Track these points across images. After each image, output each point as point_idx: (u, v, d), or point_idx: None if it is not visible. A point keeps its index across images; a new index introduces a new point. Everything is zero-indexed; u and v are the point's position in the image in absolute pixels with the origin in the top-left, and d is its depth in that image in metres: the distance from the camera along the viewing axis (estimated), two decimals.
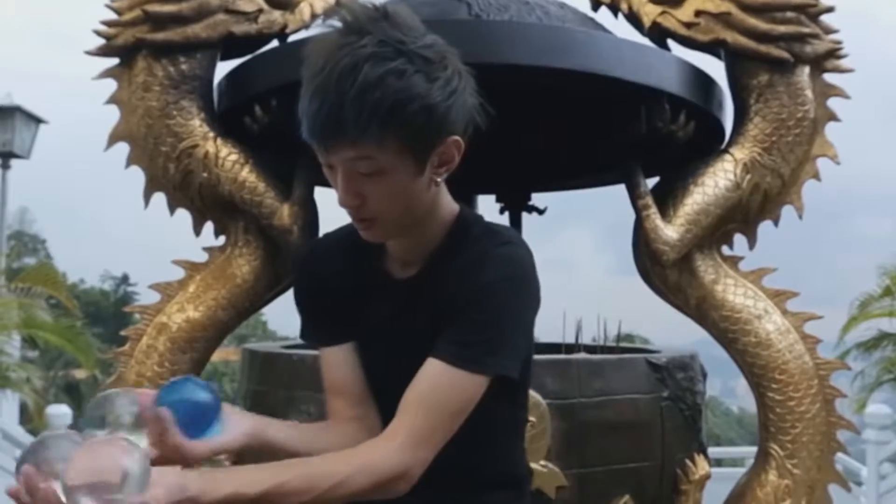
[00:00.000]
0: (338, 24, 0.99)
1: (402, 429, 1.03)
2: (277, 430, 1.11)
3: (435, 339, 1.08)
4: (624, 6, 2.38)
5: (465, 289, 1.07)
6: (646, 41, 2.34)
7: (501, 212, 3.18)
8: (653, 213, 2.23)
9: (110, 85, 2.31)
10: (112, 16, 2.25)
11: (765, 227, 2.43)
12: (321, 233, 2.42)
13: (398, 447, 1.02)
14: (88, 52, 2.28)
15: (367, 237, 1.12)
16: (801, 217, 2.41)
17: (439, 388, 1.05)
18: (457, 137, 1.06)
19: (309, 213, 2.30)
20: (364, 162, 1.00)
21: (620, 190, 2.36)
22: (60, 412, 6.04)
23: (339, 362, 1.21)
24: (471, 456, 1.15)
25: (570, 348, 2.62)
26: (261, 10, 2.26)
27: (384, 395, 1.16)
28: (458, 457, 1.07)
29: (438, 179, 1.09)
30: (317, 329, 1.25)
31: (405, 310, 1.16)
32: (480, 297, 1.06)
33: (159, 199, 2.36)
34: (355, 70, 0.95)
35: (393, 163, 1.01)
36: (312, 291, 1.25)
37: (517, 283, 1.09)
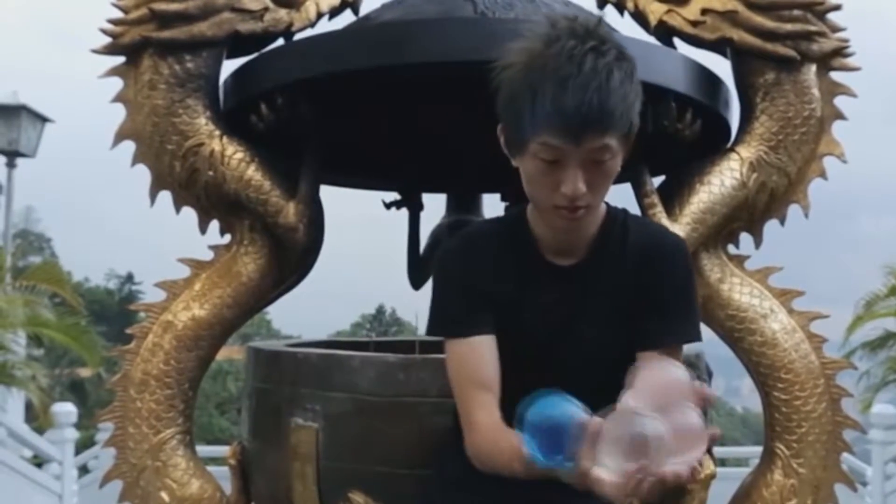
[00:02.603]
0: (549, 31, 1.13)
1: None
2: None
3: (611, 319, 1.24)
4: (630, 4, 2.38)
5: (665, 272, 1.25)
6: (651, 39, 2.34)
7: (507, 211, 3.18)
8: (659, 211, 2.22)
9: (116, 83, 2.32)
10: (118, 14, 2.26)
11: (770, 226, 2.43)
12: (326, 231, 2.45)
13: None
14: (94, 51, 2.29)
15: (571, 226, 1.22)
16: (807, 216, 2.40)
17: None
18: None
19: (314, 211, 2.30)
20: (607, 150, 1.13)
21: (626, 189, 2.36)
22: (66, 410, 6.06)
23: (491, 355, 1.25)
24: None
25: None
26: (266, 9, 2.26)
27: (537, 377, 1.16)
28: None
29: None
30: (468, 318, 1.27)
31: (573, 295, 1.26)
32: (681, 281, 1.26)
33: (165, 197, 2.37)
34: (611, 70, 1.10)
35: (621, 149, 1.16)
36: (468, 280, 1.29)
37: (683, 259, 1.31)
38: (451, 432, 1.36)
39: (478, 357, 1.25)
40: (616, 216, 1.31)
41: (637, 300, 1.24)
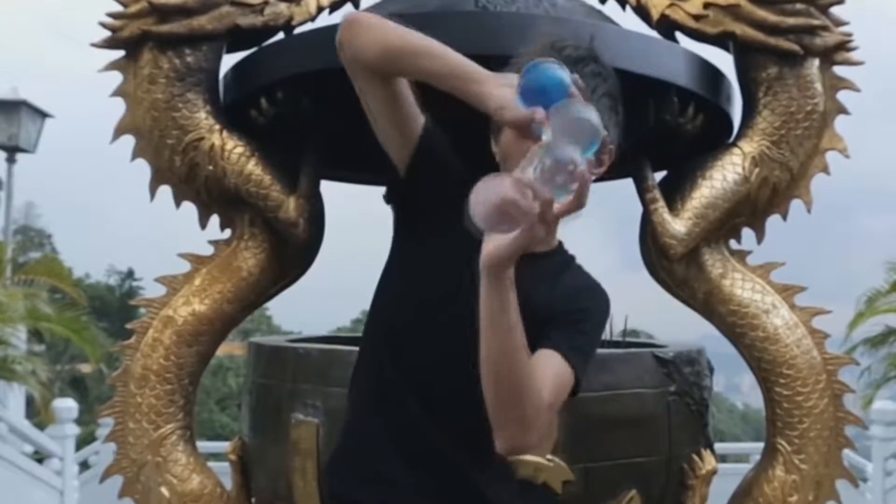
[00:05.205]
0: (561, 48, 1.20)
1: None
2: None
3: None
4: None
5: (585, 305, 1.25)
6: (653, 34, 2.33)
7: None
8: (660, 206, 2.22)
9: (116, 78, 2.31)
10: (118, 8, 2.25)
11: (771, 222, 2.42)
12: (327, 227, 2.44)
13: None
14: (94, 45, 2.28)
15: None
16: (809, 211, 2.40)
17: (562, 379, 1.16)
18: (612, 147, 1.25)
19: (314, 206, 2.29)
20: None
21: (627, 184, 2.35)
22: (66, 405, 6.06)
23: (417, 122, 1.28)
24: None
25: None
26: (266, 3, 2.25)
27: (427, 319, 1.22)
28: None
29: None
30: (438, 136, 1.30)
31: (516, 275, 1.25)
32: (595, 321, 1.27)
33: (165, 192, 2.36)
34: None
35: None
36: (454, 164, 1.31)
37: (607, 313, 1.32)
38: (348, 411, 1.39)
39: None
40: (564, 252, 1.34)
41: (550, 315, 1.23)
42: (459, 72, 1.11)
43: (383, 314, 1.32)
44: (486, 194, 0.94)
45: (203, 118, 2.25)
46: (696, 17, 2.27)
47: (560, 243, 1.34)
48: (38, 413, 6.89)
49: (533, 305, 1.19)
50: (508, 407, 1.10)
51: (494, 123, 1.26)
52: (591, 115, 0.99)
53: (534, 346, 1.19)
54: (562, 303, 1.23)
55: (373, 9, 2.36)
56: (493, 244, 1.00)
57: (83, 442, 6.81)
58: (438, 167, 1.28)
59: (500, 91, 1.08)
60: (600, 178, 1.54)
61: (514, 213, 0.94)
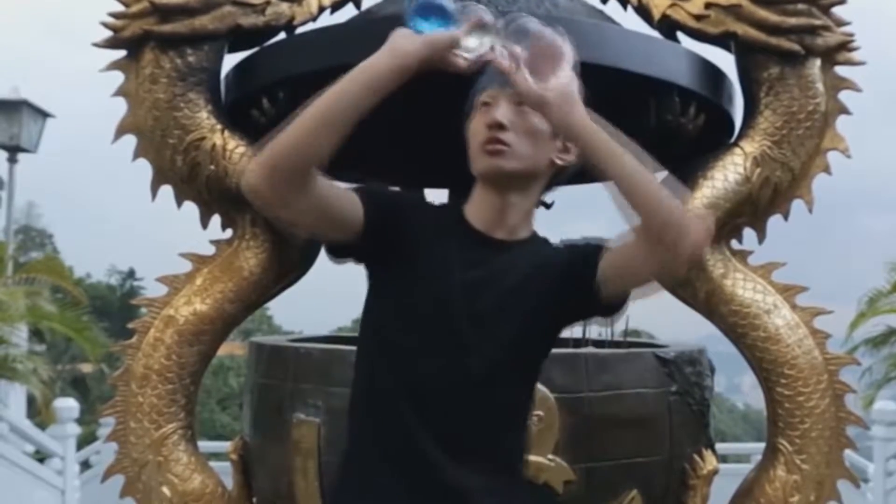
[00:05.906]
0: None
1: None
2: None
3: (521, 300, 1.28)
4: None
5: (580, 246, 1.34)
6: (655, 34, 2.33)
7: None
8: None
9: (118, 78, 2.31)
10: (119, 7, 2.25)
11: (772, 222, 2.42)
12: None
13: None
14: (96, 45, 2.28)
15: (492, 163, 1.30)
16: (810, 211, 2.40)
17: None
18: None
19: None
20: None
21: None
22: (67, 405, 6.07)
23: (351, 201, 1.31)
24: (512, 437, 1.33)
25: (577, 343, 2.61)
26: (268, 2, 2.26)
27: (434, 338, 1.26)
28: (502, 437, 1.28)
29: (556, 160, 1.34)
30: (369, 187, 1.35)
31: (493, 263, 1.31)
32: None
33: (166, 191, 2.36)
34: None
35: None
36: (397, 197, 1.41)
37: None
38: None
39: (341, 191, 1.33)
40: (539, 237, 1.40)
41: (569, 261, 1.31)
42: (368, 69, 1.23)
43: (376, 326, 1.34)
44: (553, 55, 1.21)
45: (205, 118, 2.25)
46: (698, 17, 2.27)
47: (535, 231, 1.40)
48: (39, 412, 6.89)
49: (530, 271, 1.30)
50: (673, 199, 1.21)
51: (466, 118, 1.36)
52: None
53: (551, 302, 1.28)
54: (568, 253, 1.34)
55: (370, 11, 2.37)
56: (557, 90, 1.18)
57: (84, 441, 6.81)
58: (394, 217, 1.32)
59: (404, 41, 1.21)
60: (603, 178, 1.55)
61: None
